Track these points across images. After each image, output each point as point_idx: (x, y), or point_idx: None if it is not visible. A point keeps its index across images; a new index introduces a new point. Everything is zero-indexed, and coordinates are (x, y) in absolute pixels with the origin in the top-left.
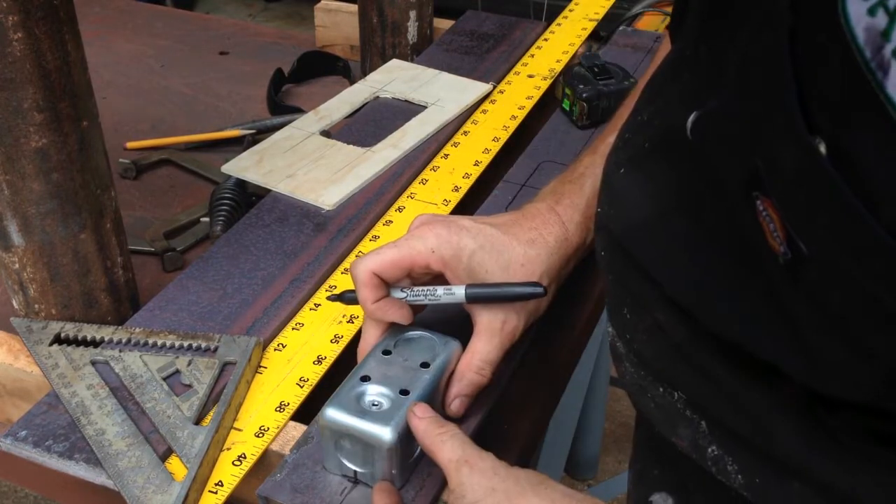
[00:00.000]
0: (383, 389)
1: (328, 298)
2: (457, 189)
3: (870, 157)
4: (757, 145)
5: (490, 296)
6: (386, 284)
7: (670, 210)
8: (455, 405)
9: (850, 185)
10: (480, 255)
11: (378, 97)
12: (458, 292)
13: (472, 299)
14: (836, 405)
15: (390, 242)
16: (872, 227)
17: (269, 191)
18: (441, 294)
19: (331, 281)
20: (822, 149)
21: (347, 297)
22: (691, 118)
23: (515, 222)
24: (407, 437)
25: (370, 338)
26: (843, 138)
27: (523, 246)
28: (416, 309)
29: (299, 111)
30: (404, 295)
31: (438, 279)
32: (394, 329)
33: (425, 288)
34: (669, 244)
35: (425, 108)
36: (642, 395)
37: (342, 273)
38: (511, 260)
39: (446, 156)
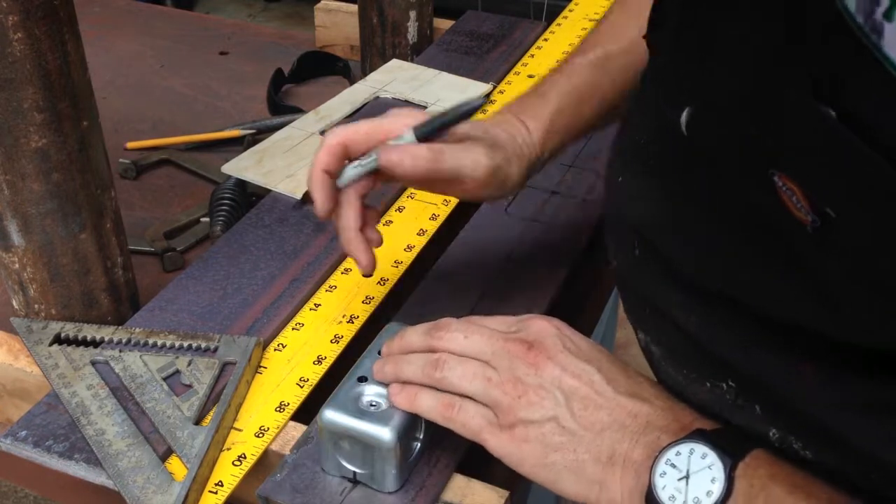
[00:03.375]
0: (381, 389)
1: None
2: None
3: (875, 115)
4: (763, 123)
5: (437, 124)
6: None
7: (683, 204)
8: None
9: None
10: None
11: (378, 97)
12: (407, 135)
13: (421, 136)
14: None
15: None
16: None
17: (269, 191)
18: (390, 143)
19: (331, 281)
20: (832, 114)
21: None
22: (684, 116)
23: (483, 121)
24: (406, 437)
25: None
26: (846, 101)
27: (494, 128)
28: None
29: (299, 111)
30: (357, 162)
31: None
32: (387, 329)
33: (371, 152)
34: (688, 234)
35: (425, 108)
36: (685, 393)
37: (342, 273)
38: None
39: None
